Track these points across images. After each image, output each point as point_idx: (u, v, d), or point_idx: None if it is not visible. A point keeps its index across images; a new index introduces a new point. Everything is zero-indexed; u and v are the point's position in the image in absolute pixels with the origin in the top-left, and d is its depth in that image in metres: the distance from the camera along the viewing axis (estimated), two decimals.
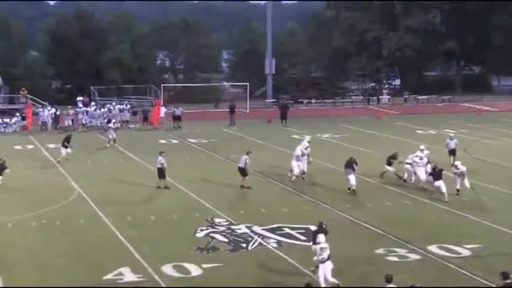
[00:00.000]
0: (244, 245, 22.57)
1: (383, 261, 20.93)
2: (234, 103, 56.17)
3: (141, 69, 72.65)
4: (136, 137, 47.48)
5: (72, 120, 51.17)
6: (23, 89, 60.06)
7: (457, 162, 29.57)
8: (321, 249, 18.37)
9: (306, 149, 32.97)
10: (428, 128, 50.00)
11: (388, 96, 72.05)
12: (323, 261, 18.21)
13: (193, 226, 24.49)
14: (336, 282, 18.20)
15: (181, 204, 28.06)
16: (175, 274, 19.93)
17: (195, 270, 20.16)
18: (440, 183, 27.99)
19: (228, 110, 54.53)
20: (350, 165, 29.76)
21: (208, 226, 24.62)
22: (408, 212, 26.88)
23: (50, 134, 48.93)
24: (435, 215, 26.25)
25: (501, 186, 30.67)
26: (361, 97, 72.68)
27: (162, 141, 44.94)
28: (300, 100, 68.75)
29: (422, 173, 29.77)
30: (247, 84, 64.69)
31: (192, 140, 45.13)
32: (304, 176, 32.01)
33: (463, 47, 77.31)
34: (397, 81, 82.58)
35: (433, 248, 21.94)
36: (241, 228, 24.30)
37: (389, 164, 31.64)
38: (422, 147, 32.07)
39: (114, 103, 54.81)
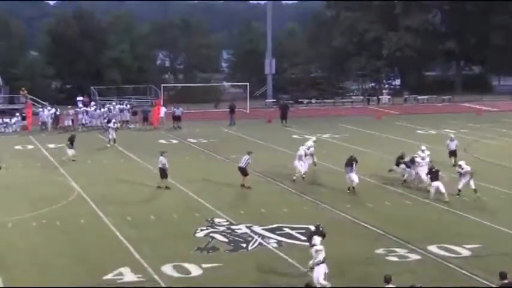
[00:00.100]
0: (244, 245, 22.57)
1: (383, 261, 20.92)
2: (234, 103, 56.18)
3: (141, 69, 72.66)
4: (136, 137, 47.49)
5: (72, 120, 51.17)
6: (23, 89, 60.08)
7: (461, 162, 29.42)
8: (316, 251, 18.33)
9: (308, 149, 32.96)
10: (428, 128, 50.01)
11: (388, 96, 72.06)
12: (318, 264, 18.16)
13: (193, 226, 24.49)
14: (328, 286, 18.12)
15: (181, 204, 28.06)
16: (175, 274, 19.93)
17: (195, 270, 20.17)
18: (438, 183, 27.97)
19: (228, 110, 54.54)
20: (350, 163, 29.86)
21: (208, 226, 24.62)
22: (408, 212, 26.88)
23: (50, 134, 48.95)
24: (435, 215, 26.25)
25: (501, 186, 30.67)
26: (361, 97, 72.68)
27: (162, 141, 44.94)
28: (300, 100, 68.76)
29: (424, 174, 29.70)
30: (247, 84, 64.70)
31: (192, 140, 45.14)
32: (304, 176, 32.01)
33: (463, 47, 77.32)
34: (397, 81, 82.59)
35: (433, 248, 21.94)
36: (241, 228, 24.30)
37: (398, 164, 31.55)
38: (423, 147, 32.08)
39: (114, 103, 54.78)
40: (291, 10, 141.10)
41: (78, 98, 59.14)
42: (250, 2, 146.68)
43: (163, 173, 30.48)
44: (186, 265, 20.52)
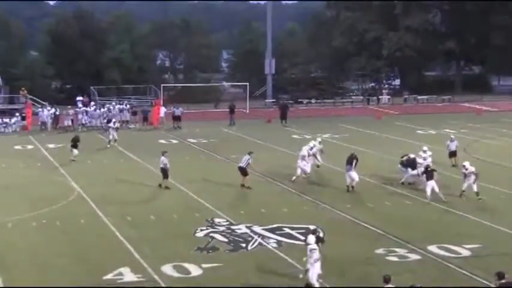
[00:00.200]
0: (244, 245, 22.58)
1: (383, 261, 20.93)
2: (234, 103, 56.20)
3: (141, 69, 72.63)
4: (136, 137, 47.48)
5: (72, 120, 51.16)
6: (23, 89, 60.06)
7: (465, 163, 29.30)
8: (310, 250, 18.33)
9: (311, 150, 32.90)
10: (428, 128, 50.01)
11: (388, 96, 72.06)
12: (312, 263, 18.13)
13: (193, 226, 24.49)
14: (316, 286, 18.07)
15: (181, 204, 28.07)
16: (175, 274, 19.93)
17: (195, 270, 20.17)
18: (433, 183, 27.94)
19: (227, 110, 54.55)
20: (351, 161, 29.91)
21: (208, 226, 24.62)
22: (408, 212, 26.88)
23: (50, 134, 48.93)
24: (435, 215, 26.26)
25: (501, 186, 30.68)
26: (361, 97, 72.68)
27: (162, 141, 44.94)
28: (299, 100, 68.76)
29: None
30: (247, 84, 64.71)
31: (191, 140, 45.14)
32: (306, 176, 31.94)
33: (463, 47, 77.33)
34: (397, 81, 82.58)
35: (433, 248, 21.95)
36: (241, 228, 24.31)
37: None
38: (425, 148, 31.99)
39: (113, 103, 54.79)
40: (291, 10, 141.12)
41: (77, 98, 59.09)
42: (250, 2, 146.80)
43: (164, 173, 30.49)
44: (186, 265, 20.52)
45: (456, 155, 35.38)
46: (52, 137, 47.11)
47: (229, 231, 24.06)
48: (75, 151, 37.15)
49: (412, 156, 31.01)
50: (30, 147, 43.18)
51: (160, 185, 30.45)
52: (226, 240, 23.07)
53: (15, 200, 28.90)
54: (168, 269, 20.22)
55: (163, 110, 53.31)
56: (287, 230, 24.03)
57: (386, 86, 77.91)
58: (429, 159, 30.61)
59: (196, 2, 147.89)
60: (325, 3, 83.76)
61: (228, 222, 25.05)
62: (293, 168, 32.42)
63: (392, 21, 75.67)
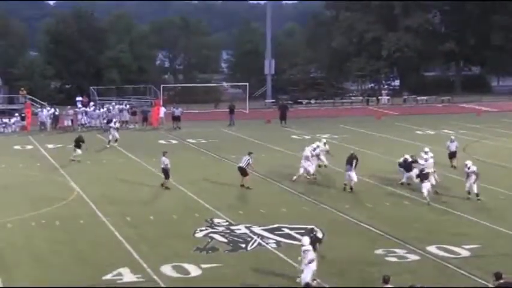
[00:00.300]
0: (243, 246, 22.60)
1: (382, 261, 20.94)
2: (234, 103, 56.22)
3: (141, 69, 72.57)
4: (135, 137, 47.47)
5: (72, 121, 51.16)
6: (22, 89, 60.09)
7: (467, 161, 29.30)
8: (304, 251, 18.30)
9: (314, 150, 32.81)
10: (427, 129, 50.00)
11: (388, 97, 72.02)
12: (306, 264, 18.11)
13: (192, 226, 24.51)
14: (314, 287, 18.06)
15: (180, 204, 28.08)
16: (175, 274, 19.95)
17: (194, 271, 20.18)
18: (428, 185, 27.91)
19: (227, 110, 54.56)
20: (351, 161, 29.93)
21: (208, 226, 24.64)
22: (407, 212, 26.90)
23: (49, 134, 48.93)
24: (434, 216, 26.28)
25: (500, 186, 30.68)
26: (361, 97, 72.64)
27: (162, 141, 44.96)
28: (299, 100, 68.74)
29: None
30: (247, 84, 64.71)
31: (191, 141, 45.14)
32: (309, 176, 31.89)
33: (462, 47, 77.27)
34: (397, 82, 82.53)
35: (432, 249, 21.97)
36: (241, 229, 24.33)
37: (410, 169, 31.21)
38: (426, 149, 31.76)
39: (113, 103, 54.79)
40: (290, 10, 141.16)
41: (77, 99, 59.10)
42: (250, 2, 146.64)
43: (165, 174, 30.51)
44: (186, 265, 20.54)
45: (456, 155, 35.36)
46: (51, 137, 47.12)
47: (228, 231, 24.08)
48: (79, 151, 37.12)
49: (408, 157, 30.92)
50: (29, 147, 43.18)
51: (162, 185, 30.48)
52: (225, 240, 23.08)
53: (14, 200, 28.91)
54: (167, 269, 20.24)
55: (162, 110, 53.30)
56: (286, 231, 24.05)
57: (386, 86, 77.89)
58: (431, 161, 30.33)
59: (196, 2, 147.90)
60: (324, 4, 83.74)
61: (227, 223, 25.07)
62: (292, 168, 32.45)
63: (392, 22, 75.65)
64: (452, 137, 37.04)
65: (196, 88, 68.55)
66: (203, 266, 20.48)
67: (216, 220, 25.40)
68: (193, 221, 25.28)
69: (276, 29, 77.84)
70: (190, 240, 22.98)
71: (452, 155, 35.44)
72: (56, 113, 51.52)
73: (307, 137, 44.75)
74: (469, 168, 28.46)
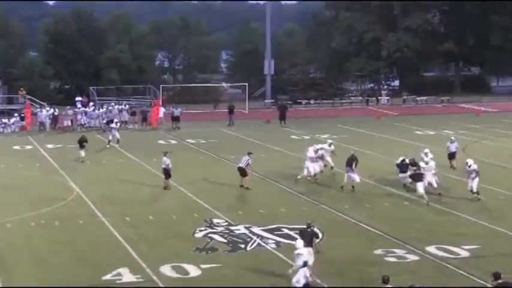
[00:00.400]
0: (242, 246, 22.60)
1: (382, 261, 20.94)
2: (233, 103, 56.22)
3: (140, 70, 72.58)
4: (135, 137, 47.46)
5: (72, 121, 51.14)
6: (22, 89, 60.07)
7: (468, 160, 29.29)
8: (297, 255, 18.17)
9: (316, 152, 32.68)
10: (427, 129, 49.99)
11: (387, 97, 72.00)
12: (298, 268, 18.02)
13: (192, 226, 24.51)
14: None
15: (180, 204, 28.08)
16: (174, 275, 19.94)
17: (193, 271, 20.18)
18: (421, 184, 27.91)
19: (227, 110, 54.56)
20: (350, 162, 29.92)
21: (207, 227, 24.63)
22: (407, 212, 26.90)
23: (49, 134, 48.93)
24: (434, 216, 26.28)
25: (500, 187, 30.67)
26: (360, 98, 72.63)
27: (161, 141, 44.95)
28: (298, 101, 68.73)
29: (430, 178, 29.09)
30: (246, 84, 64.73)
31: (190, 141, 45.14)
32: (309, 177, 31.79)
33: (462, 47, 77.30)
34: (396, 82, 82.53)
35: (431, 249, 21.97)
36: (240, 229, 24.33)
37: (406, 171, 31.22)
38: (426, 150, 31.44)
39: (113, 103, 54.77)
40: (290, 10, 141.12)
41: (76, 99, 59.06)
42: (250, 2, 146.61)
43: (166, 174, 30.49)
44: (185, 265, 20.54)
45: (455, 156, 35.31)
46: (51, 137, 47.13)
47: (228, 231, 24.08)
48: (82, 152, 37.10)
49: (407, 160, 30.78)
50: (29, 147, 43.18)
51: (165, 188, 30.39)
52: (225, 240, 23.08)
53: (14, 200, 28.91)
54: (166, 269, 20.24)
55: (162, 110, 53.28)
56: (286, 231, 24.05)
57: (386, 86, 77.83)
58: (432, 163, 30.07)
59: (196, 2, 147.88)
60: (324, 4, 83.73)
61: (226, 223, 25.07)
62: (292, 168, 32.46)
63: (391, 22, 75.66)
64: (452, 138, 36.98)
65: (196, 88, 68.53)
66: (203, 266, 20.48)
67: (215, 220, 25.40)
68: (193, 221, 25.28)
69: (275, 29, 77.83)
70: (189, 241, 22.99)
71: (451, 156, 35.40)
72: (56, 113, 51.49)
73: (306, 137, 44.78)
74: (469, 167, 28.43)
